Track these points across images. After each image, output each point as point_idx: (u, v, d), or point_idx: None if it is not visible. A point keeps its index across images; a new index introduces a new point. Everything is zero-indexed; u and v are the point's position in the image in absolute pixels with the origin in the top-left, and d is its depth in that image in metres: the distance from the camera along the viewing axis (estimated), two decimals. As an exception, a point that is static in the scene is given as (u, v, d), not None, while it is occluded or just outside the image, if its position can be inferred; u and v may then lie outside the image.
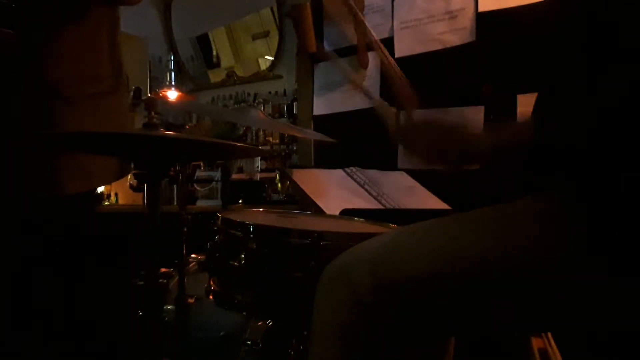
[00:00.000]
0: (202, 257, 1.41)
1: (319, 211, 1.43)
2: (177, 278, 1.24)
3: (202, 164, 2.61)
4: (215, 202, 2.42)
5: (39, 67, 1.16)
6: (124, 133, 1.03)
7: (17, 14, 1.12)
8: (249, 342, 1.10)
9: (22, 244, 1.20)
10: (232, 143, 1.17)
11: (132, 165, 1.38)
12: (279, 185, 2.50)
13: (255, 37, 4.19)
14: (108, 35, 1.27)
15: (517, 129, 0.66)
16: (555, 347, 1.15)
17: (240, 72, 4.27)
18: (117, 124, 1.28)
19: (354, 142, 2.13)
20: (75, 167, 1.19)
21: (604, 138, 0.57)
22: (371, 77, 2.30)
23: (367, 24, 2.24)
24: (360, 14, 2.23)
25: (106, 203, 2.46)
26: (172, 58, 4.37)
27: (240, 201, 2.28)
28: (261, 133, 3.80)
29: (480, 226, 0.67)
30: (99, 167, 1.25)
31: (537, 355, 1.15)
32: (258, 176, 2.62)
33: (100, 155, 1.24)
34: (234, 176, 2.55)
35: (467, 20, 2.00)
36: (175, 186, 2.05)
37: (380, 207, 1.56)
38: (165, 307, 1.20)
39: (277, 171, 2.66)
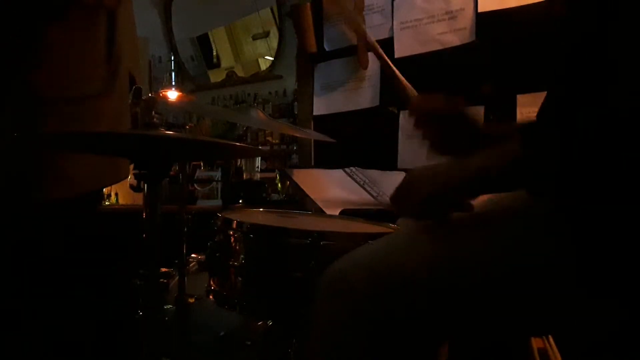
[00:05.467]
0: (202, 257, 1.41)
1: (319, 211, 1.43)
2: (177, 278, 1.24)
3: (202, 164, 2.61)
4: (215, 202, 2.42)
5: (22, 68, 1.12)
6: (124, 133, 1.03)
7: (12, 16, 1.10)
8: (249, 342, 1.10)
9: (21, 245, 1.20)
10: (232, 143, 1.17)
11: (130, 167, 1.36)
12: (279, 185, 2.50)
13: (255, 37, 4.19)
14: (106, 36, 1.24)
15: (505, 149, 0.64)
16: (555, 347, 1.15)
17: (240, 72, 4.28)
18: (109, 127, 1.24)
19: (354, 142, 2.13)
20: (61, 171, 1.16)
21: (602, 144, 0.57)
22: (371, 77, 2.30)
23: (365, 25, 2.23)
24: (359, 13, 2.23)
25: (106, 203, 2.46)
26: (172, 58, 4.37)
27: (240, 201, 2.28)
28: (261, 133, 3.80)
29: (476, 231, 0.68)
30: (91, 169, 1.22)
31: (537, 355, 1.15)
32: (258, 176, 2.62)
33: (89, 158, 1.20)
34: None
35: (466, 20, 2.00)
36: (175, 186, 2.05)
37: (381, 207, 1.56)
38: (165, 307, 1.20)
39: (277, 171, 2.66)
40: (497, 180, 0.64)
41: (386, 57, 0.93)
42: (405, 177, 0.73)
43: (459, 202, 0.70)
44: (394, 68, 0.94)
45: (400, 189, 0.74)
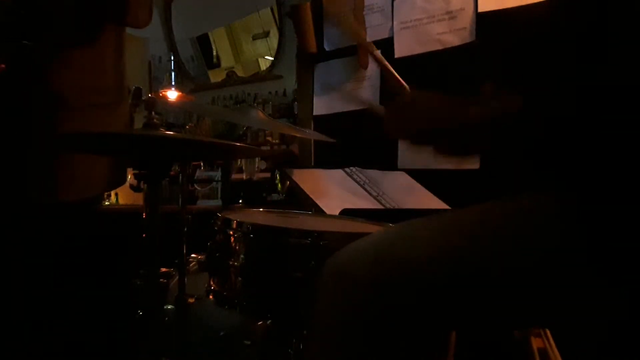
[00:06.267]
0: (202, 257, 1.41)
1: (319, 211, 1.43)
2: (177, 278, 1.24)
3: (202, 164, 2.61)
4: (215, 202, 2.42)
5: (48, 77, 1.20)
6: (124, 133, 1.04)
7: (31, 26, 1.15)
8: (249, 342, 1.10)
9: (22, 245, 1.21)
10: (232, 143, 1.18)
11: (128, 174, 1.44)
12: (279, 185, 2.50)
13: (255, 37, 4.18)
14: (115, 49, 1.31)
15: (505, 101, 0.65)
16: (555, 347, 1.15)
17: (240, 72, 4.27)
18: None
19: (354, 142, 2.13)
20: (75, 174, 1.22)
21: (602, 136, 0.57)
22: (371, 77, 2.30)
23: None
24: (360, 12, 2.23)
25: (106, 203, 2.46)
26: (172, 58, 4.37)
27: (240, 201, 2.28)
28: (261, 133, 3.79)
29: (480, 224, 0.68)
30: (98, 174, 1.28)
31: (537, 355, 1.15)
32: (258, 176, 2.62)
33: (99, 162, 1.26)
34: (234, 176, 2.56)
35: (467, 20, 2.00)
36: (175, 186, 2.05)
37: (380, 207, 1.56)
38: (165, 307, 1.20)
39: (277, 171, 2.66)
40: (495, 127, 0.65)
41: (386, 63, 0.95)
42: (404, 98, 0.73)
43: (456, 139, 0.70)
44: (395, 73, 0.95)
45: (398, 109, 0.74)
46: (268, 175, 2.70)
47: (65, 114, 1.19)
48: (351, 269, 0.68)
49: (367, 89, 2.31)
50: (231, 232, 1.13)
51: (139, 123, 1.42)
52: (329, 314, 0.69)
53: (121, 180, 1.41)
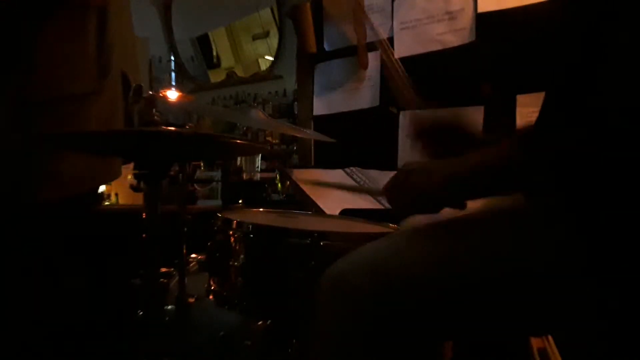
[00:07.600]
0: (202, 257, 1.41)
1: (319, 211, 1.43)
2: (177, 278, 1.24)
3: (202, 164, 2.61)
4: (215, 202, 2.42)
5: (7, 70, 1.10)
6: (124, 133, 1.03)
7: None
8: (249, 342, 1.10)
9: (20, 245, 1.20)
10: (234, 138, 1.17)
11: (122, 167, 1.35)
12: (279, 185, 2.50)
13: (255, 37, 4.19)
14: (96, 34, 1.20)
15: (502, 151, 0.65)
16: (555, 347, 1.15)
17: (240, 72, 4.27)
18: (100, 127, 1.21)
19: (354, 142, 2.13)
20: (53, 172, 1.14)
21: (602, 142, 0.57)
22: (371, 77, 2.30)
23: (372, 21, 2.23)
24: (362, 12, 2.23)
25: (106, 203, 2.46)
26: (173, 58, 4.37)
27: (240, 201, 2.28)
28: (261, 133, 3.80)
29: (478, 231, 0.68)
30: (80, 170, 1.19)
31: (536, 355, 1.15)
32: (258, 176, 2.62)
33: (80, 158, 1.18)
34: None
35: (466, 20, 2.00)
36: (175, 186, 2.05)
37: (380, 207, 1.56)
38: (165, 307, 1.20)
39: (277, 171, 2.66)
40: (492, 180, 0.65)
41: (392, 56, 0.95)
42: (400, 170, 0.73)
43: (454, 200, 0.70)
44: (398, 67, 0.95)
45: (395, 181, 0.73)
46: (270, 175, 2.70)
47: (33, 108, 1.10)
48: (350, 279, 0.68)
49: (367, 89, 2.31)
50: (231, 232, 1.13)
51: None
52: (329, 324, 0.69)
53: (115, 174, 1.32)
